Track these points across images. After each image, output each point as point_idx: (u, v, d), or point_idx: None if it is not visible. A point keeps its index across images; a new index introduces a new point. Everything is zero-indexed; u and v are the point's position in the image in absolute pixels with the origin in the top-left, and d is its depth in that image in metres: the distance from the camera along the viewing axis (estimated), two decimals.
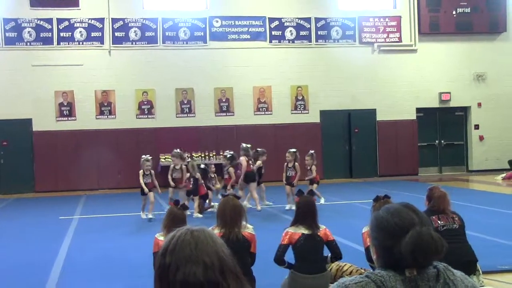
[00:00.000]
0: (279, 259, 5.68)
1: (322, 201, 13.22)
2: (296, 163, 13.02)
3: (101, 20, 19.41)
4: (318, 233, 5.70)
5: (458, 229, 5.92)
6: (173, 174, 13.15)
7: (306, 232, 5.66)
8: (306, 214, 5.72)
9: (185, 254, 1.88)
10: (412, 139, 21.33)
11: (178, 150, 13.67)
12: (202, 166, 13.55)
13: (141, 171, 12.35)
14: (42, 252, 9.23)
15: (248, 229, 5.58)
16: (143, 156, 12.77)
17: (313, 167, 13.36)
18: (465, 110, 22.06)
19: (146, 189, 12.12)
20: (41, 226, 12.04)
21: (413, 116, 21.44)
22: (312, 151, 13.78)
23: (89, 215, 13.38)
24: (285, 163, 13.39)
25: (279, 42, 20.60)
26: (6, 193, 18.06)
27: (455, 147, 22.13)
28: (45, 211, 14.53)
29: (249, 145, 13.79)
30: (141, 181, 12.22)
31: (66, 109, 19.30)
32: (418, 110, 21.49)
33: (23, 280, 7.43)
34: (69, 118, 19.29)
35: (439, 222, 5.86)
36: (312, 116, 20.75)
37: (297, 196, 6.00)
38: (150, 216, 12.01)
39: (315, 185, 13.11)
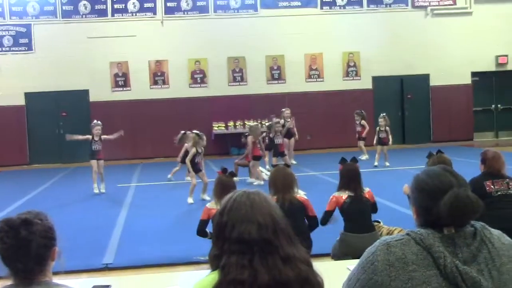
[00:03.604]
0: (324, 223, 5.80)
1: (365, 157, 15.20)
2: (387, 128, 14.90)
3: None
4: (364, 195, 5.81)
5: None
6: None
7: (351, 194, 5.75)
8: (350, 180, 5.81)
9: (241, 213, 2.08)
10: (467, 104, 20.93)
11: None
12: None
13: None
14: (102, 218, 9.68)
15: (300, 194, 5.71)
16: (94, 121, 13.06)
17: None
18: None
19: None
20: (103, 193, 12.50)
21: (468, 80, 20.98)
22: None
23: (145, 183, 13.82)
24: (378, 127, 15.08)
25: (330, 8, 20.39)
26: (67, 163, 18.64)
27: None
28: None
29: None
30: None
31: (121, 79, 19.74)
32: (474, 74, 21.01)
33: (87, 241, 7.85)
34: (124, 89, 19.73)
35: (493, 187, 5.71)
36: (364, 83, 20.58)
37: (340, 164, 6.04)
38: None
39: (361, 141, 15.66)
